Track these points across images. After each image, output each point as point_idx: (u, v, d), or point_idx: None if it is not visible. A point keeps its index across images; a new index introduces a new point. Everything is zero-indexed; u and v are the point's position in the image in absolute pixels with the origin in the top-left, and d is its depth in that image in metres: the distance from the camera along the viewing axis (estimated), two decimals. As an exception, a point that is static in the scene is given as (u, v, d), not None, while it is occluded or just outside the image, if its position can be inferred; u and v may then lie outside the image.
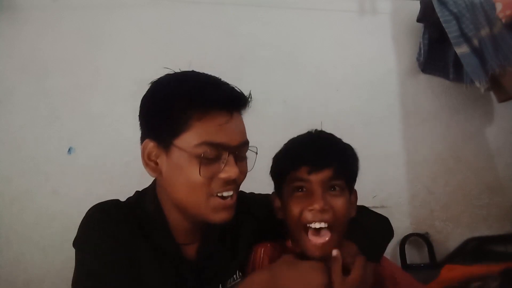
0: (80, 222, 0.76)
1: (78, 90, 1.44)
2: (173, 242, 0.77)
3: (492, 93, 1.60)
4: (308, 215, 0.75)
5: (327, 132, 0.86)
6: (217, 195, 0.72)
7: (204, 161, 0.69)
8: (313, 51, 1.64)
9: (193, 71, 0.78)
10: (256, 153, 0.79)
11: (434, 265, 1.52)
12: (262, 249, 0.83)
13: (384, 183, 1.59)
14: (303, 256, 0.76)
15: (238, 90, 0.75)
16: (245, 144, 0.76)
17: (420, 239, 1.59)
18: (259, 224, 0.91)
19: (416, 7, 1.59)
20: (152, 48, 1.51)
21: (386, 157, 1.61)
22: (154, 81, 0.79)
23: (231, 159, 0.71)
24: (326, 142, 0.83)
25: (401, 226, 1.58)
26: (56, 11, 1.46)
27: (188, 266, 0.77)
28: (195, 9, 1.56)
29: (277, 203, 0.85)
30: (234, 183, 0.73)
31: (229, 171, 0.70)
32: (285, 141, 1.51)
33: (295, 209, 0.77)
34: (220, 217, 0.72)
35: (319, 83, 1.63)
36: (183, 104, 0.70)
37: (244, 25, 1.60)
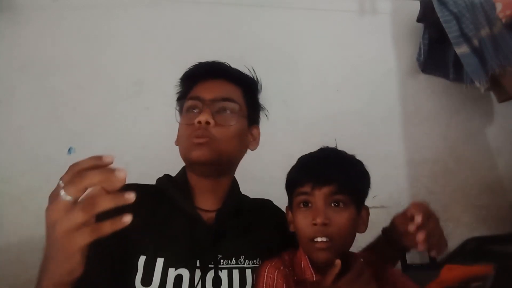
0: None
1: (78, 90, 1.44)
2: (192, 204, 0.87)
3: (492, 93, 1.61)
4: (311, 230, 0.80)
5: (338, 149, 0.90)
6: (193, 138, 0.85)
7: (186, 112, 0.90)
8: (313, 51, 1.64)
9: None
10: (239, 105, 0.92)
11: (434, 265, 1.52)
12: (276, 271, 0.82)
13: (384, 183, 1.58)
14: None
15: (220, 62, 0.95)
16: (222, 99, 0.89)
17: (420, 239, 1.58)
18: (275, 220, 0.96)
19: (416, 7, 1.59)
20: (152, 48, 1.51)
21: (386, 157, 1.61)
22: None
23: (204, 108, 0.87)
24: (332, 159, 0.86)
25: (401, 226, 1.58)
26: (56, 11, 1.46)
27: (206, 228, 0.84)
28: (195, 9, 1.56)
29: (290, 216, 0.89)
30: (206, 128, 0.84)
31: (200, 116, 0.85)
32: (285, 141, 1.52)
33: (301, 223, 0.82)
34: (194, 154, 0.84)
35: (319, 83, 1.63)
36: (185, 79, 0.96)
37: (244, 25, 1.60)
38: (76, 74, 1.45)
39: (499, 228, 1.65)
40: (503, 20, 1.34)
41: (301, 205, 0.83)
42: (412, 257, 1.56)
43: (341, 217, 0.80)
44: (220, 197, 0.91)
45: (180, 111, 0.95)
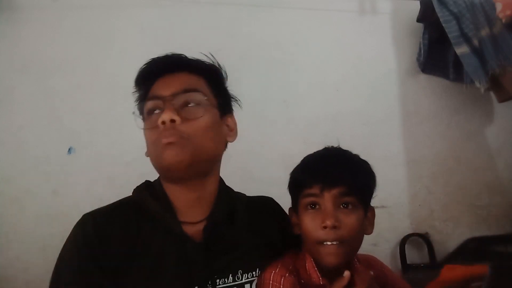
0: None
1: (78, 90, 1.44)
2: (176, 220, 0.79)
3: (492, 93, 1.61)
4: (320, 234, 0.77)
5: (343, 149, 0.88)
6: (162, 142, 0.76)
7: (148, 116, 0.81)
8: (313, 51, 1.64)
9: None
10: (203, 94, 0.84)
11: (434, 265, 1.52)
12: (282, 279, 0.79)
13: (384, 183, 1.57)
14: None
15: (176, 54, 0.87)
16: (183, 91, 0.80)
17: (420, 239, 1.58)
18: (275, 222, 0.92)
19: (416, 7, 1.59)
20: (152, 48, 1.50)
21: (386, 157, 1.61)
22: None
23: (166, 106, 0.78)
24: (339, 159, 0.84)
25: (401, 226, 1.58)
26: (56, 11, 1.46)
27: (194, 245, 0.77)
28: (195, 9, 1.56)
29: (294, 218, 0.86)
30: (172, 127, 0.76)
31: (162, 115, 0.76)
32: (285, 141, 1.52)
33: (309, 225, 0.80)
34: (166, 157, 0.76)
35: (319, 83, 1.63)
36: (140, 79, 0.88)
37: (244, 25, 1.60)
38: (76, 74, 1.44)
39: (499, 228, 1.65)
40: (503, 20, 1.34)
41: (309, 207, 0.80)
42: (412, 257, 1.57)
43: (350, 219, 0.78)
44: (207, 202, 0.83)
45: (142, 116, 0.86)
